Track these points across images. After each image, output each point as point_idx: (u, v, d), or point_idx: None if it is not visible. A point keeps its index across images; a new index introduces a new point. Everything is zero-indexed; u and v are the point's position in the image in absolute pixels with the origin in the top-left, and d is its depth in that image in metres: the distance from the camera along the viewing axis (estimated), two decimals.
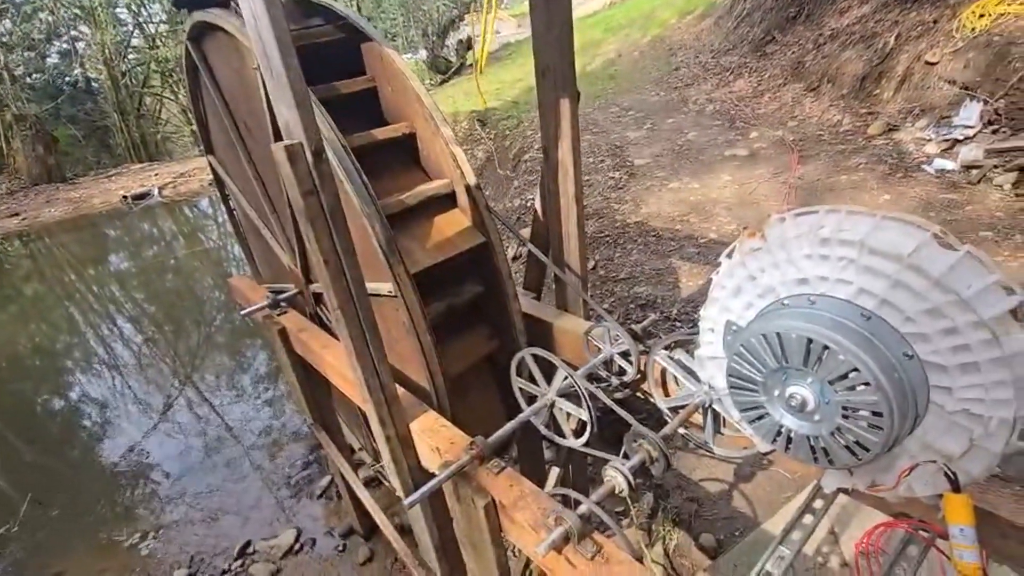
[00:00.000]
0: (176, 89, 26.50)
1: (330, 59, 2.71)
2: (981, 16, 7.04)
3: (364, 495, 3.50)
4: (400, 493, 2.35)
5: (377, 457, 4.08)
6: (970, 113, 6.76)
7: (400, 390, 2.31)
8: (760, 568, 1.55)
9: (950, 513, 1.33)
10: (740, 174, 7.70)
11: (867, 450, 1.29)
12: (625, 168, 8.58)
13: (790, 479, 3.74)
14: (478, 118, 11.89)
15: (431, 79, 21.06)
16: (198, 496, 5.56)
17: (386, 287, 2.31)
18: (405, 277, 2.25)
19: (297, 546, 4.63)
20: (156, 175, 20.71)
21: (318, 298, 3.28)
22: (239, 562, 4.56)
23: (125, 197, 18.53)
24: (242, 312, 3.43)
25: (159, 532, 5.18)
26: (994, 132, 6.55)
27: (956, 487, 1.31)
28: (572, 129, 2.43)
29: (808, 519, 1.66)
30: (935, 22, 7.64)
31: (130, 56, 26.61)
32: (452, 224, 2.61)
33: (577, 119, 2.45)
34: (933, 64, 7.36)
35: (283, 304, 3.39)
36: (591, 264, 6.49)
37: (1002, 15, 6.88)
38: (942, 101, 7.19)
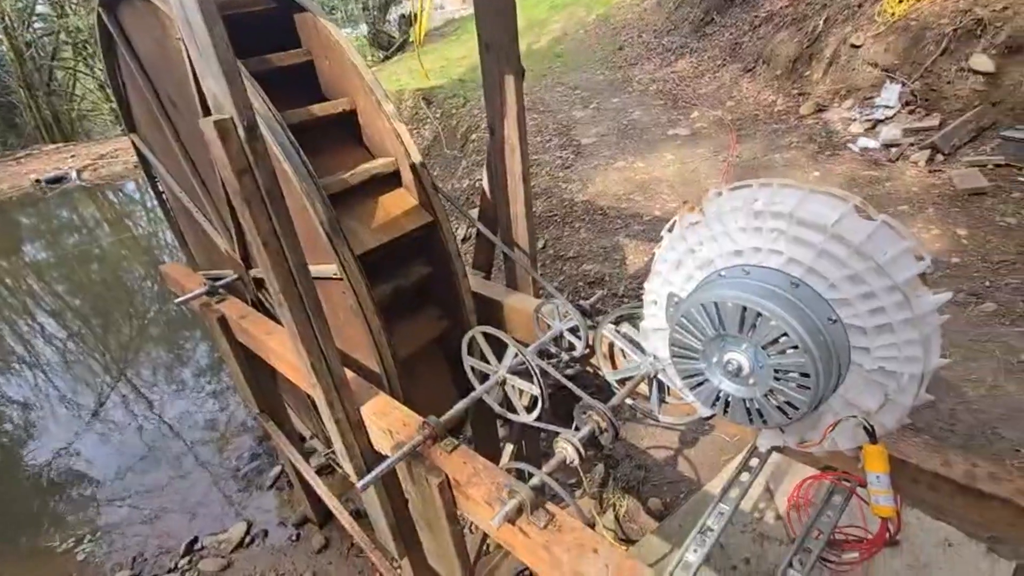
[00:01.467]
0: (91, 62, 24.35)
1: (261, 30, 2.56)
2: (900, 1, 7.46)
3: (316, 483, 3.44)
4: (353, 478, 2.33)
5: (329, 444, 4.02)
6: (890, 94, 7.19)
7: (349, 374, 2.27)
8: (701, 525, 1.64)
9: (868, 463, 1.46)
10: (682, 153, 7.92)
11: (796, 409, 1.38)
12: (572, 147, 8.63)
13: (730, 441, 3.96)
14: (423, 96, 11.60)
15: (373, 55, 20.31)
16: (139, 496, 5.31)
17: (331, 269, 2.25)
18: (350, 259, 2.19)
19: (248, 539, 4.52)
20: (73, 156, 19.08)
21: (259, 283, 3.16)
22: (186, 559, 4.41)
23: (38, 181, 17.00)
24: (176, 301, 3.25)
25: (97, 535, 4.92)
26: (911, 112, 7.01)
27: (873, 439, 1.43)
28: (517, 105, 2.42)
29: (745, 477, 1.77)
30: (860, 6, 8.03)
31: (36, 25, 24.18)
32: (398, 203, 2.56)
33: (522, 95, 2.44)
34: (858, 47, 7.76)
35: (221, 291, 3.24)
36: (541, 243, 6.54)
37: (919, 1, 7.31)
38: (866, 83, 7.60)
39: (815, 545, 1.58)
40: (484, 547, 3.55)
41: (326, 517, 4.43)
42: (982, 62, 6.41)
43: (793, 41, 8.70)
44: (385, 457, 1.96)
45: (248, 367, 3.40)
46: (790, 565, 1.53)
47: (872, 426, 1.43)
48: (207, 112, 1.65)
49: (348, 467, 2.30)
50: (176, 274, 3.70)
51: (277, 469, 5.15)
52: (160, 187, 4.04)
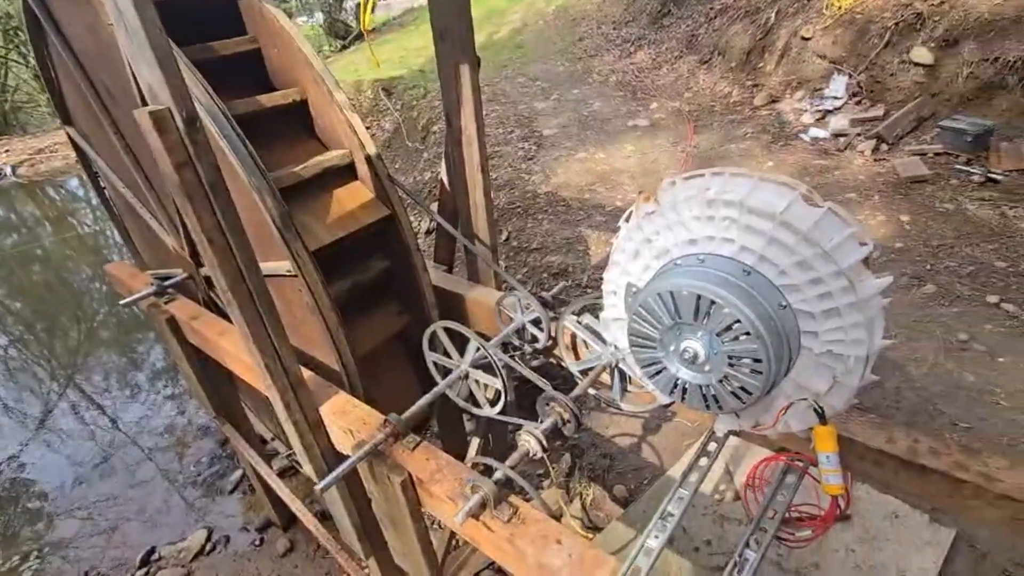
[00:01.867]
0: (24, 50, 22.81)
1: (204, 17, 2.44)
2: None
3: (278, 485, 3.35)
4: (314, 479, 2.27)
5: (291, 445, 3.93)
6: (838, 86, 7.45)
7: (307, 373, 2.22)
8: (662, 510, 1.67)
9: (819, 443, 1.50)
10: (642, 144, 8.02)
11: (750, 393, 1.41)
12: (534, 139, 8.63)
13: (691, 427, 4.06)
14: (383, 87, 11.37)
15: (330, 45, 19.76)
16: (93, 507, 5.08)
17: (284, 266, 2.17)
18: (304, 255, 2.13)
19: (209, 546, 4.38)
20: (7, 152, 17.92)
21: (210, 282, 3.04)
22: (143, 571, 4.24)
23: None
24: (122, 302, 3.10)
25: (46, 550, 4.68)
26: (858, 103, 7.28)
27: (823, 420, 1.48)
28: (474, 95, 2.39)
29: (703, 461, 1.81)
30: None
31: None
32: (353, 197, 2.50)
33: (478, 84, 2.41)
34: (807, 39, 8.00)
35: (171, 291, 3.11)
36: (504, 235, 6.53)
37: None
38: (815, 74, 7.85)
39: (770, 524, 1.62)
40: (453, 543, 3.54)
41: (290, 520, 4.33)
42: (922, 54, 6.70)
43: (747, 33, 8.90)
44: (346, 457, 1.92)
45: (202, 370, 3.27)
46: (747, 545, 1.57)
47: (822, 408, 1.48)
48: (145, 103, 1.56)
49: (308, 468, 2.25)
50: (122, 274, 3.52)
51: (238, 473, 5.01)
52: (102, 183, 3.83)
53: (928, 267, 4.89)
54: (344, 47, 19.04)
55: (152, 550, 4.41)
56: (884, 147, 6.59)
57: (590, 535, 3.46)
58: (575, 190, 7.11)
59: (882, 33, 7.11)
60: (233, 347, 2.54)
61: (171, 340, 3.07)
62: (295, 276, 2.17)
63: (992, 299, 4.45)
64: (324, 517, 3.63)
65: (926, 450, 1.58)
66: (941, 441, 1.60)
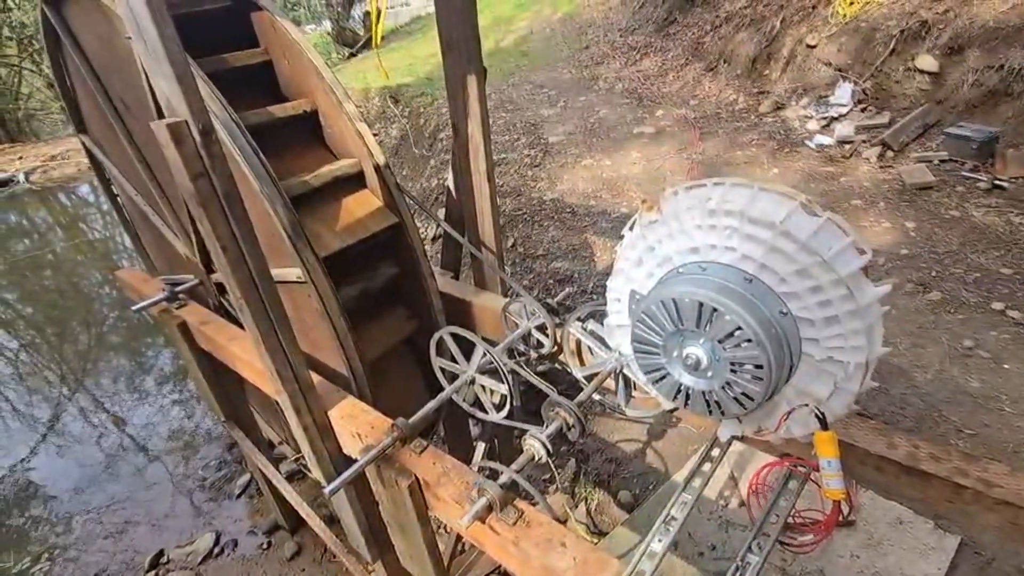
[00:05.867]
0: (38, 59, 23.15)
1: (217, 29, 2.51)
2: (851, 3, 7.74)
3: (286, 489, 3.39)
4: (323, 482, 2.31)
5: (298, 449, 3.96)
6: (843, 93, 7.46)
7: (316, 378, 2.25)
8: (666, 514, 1.69)
9: (820, 448, 1.52)
10: (648, 151, 8.04)
11: (752, 399, 1.43)
12: (540, 146, 8.67)
13: (696, 432, 4.06)
14: (391, 95, 11.48)
15: (338, 53, 19.94)
16: (101, 510, 5.13)
17: (294, 273, 2.22)
18: (314, 262, 2.17)
19: (217, 549, 4.42)
20: (21, 158, 18.17)
21: (221, 288, 3.09)
22: (151, 574, 4.29)
23: None
24: (133, 308, 3.15)
25: (55, 553, 4.74)
26: (863, 111, 7.29)
27: (824, 425, 1.50)
28: (480, 104, 2.43)
29: (707, 467, 1.83)
30: (814, 7, 8.29)
31: None
32: (362, 205, 2.54)
33: (484, 94, 2.45)
34: (813, 47, 8.02)
35: (182, 296, 3.16)
36: (510, 242, 6.56)
37: (868, 2, 7.60)
38: (820, 81, 7.87)
39: (773, 529, 1.64)
40: (459, 546, 3.56)
41: (297, 524, 4.37)
42: (927, 62, 6.71)
43: (752, 41, 8.93)
44: (354, 461, 1.96)
45: (212, 374, 3.32)
46: (749, 549, 1.59)
47: (823, 413, 1.50)
48: (161, 114, 1.61)
49: (317, 472, 2.28)
50: (133, 280, 3.58)
51: (246, 477, 5.05)
52: (115, 190, 3.91)
53: (934, 274, 4.89)
54: (352, 55, 19.20)
55: (161, 553, 4.45)
56: (890, 154, 6.59)
57: (595, 540, 3.47)
58: (581, 197, 7.14)
59: (887, 41, 7.12)
60: (243, 352, 2.59)
61: (182, 345, 3.12)
62: (305, 283, 2.22)
63: (998, 306, 4.44)
64: (331, 521, 3.66)
65: (926, 456, 1.60)
66: (941, 447, 1.61)
